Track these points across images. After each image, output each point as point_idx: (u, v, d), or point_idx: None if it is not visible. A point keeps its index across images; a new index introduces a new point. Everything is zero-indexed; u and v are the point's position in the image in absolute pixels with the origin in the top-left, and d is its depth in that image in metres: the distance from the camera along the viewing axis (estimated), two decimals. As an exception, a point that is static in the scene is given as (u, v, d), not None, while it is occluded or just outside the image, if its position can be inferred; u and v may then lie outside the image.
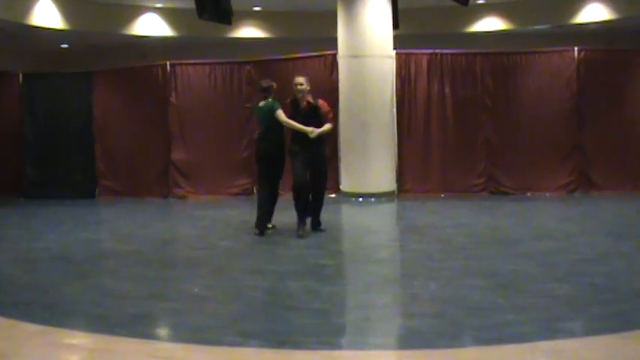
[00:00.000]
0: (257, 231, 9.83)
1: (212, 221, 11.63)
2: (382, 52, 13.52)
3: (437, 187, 13.99)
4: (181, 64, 14.99)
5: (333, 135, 13.78)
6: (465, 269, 7.53)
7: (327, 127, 9.66)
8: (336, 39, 13.84)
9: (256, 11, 18.19)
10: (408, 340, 5.35)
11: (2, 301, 6.55)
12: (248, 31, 18.58)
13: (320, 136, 9.62)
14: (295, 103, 9.71)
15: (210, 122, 14.65)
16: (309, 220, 9.88)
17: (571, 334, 5.28)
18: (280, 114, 9.65)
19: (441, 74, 14.05)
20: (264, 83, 10.12)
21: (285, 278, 7.41)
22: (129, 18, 17.67)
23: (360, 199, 13.27)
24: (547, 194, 13.70)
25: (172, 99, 14.76)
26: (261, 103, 10.00)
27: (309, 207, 9.84)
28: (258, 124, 10.31)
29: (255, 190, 14.52)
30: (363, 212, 12.56)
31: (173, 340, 5.50)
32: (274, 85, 10.10)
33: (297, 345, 5.11)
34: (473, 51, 14.39)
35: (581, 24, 17.32)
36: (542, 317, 5.61)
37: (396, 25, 13.87)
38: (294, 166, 9.70)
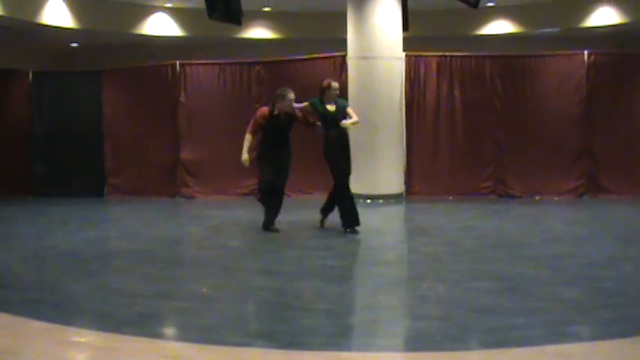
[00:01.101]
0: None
1: (220, 221, 11.64)
2: (392, 54, 13.52)
3: (445, 190, 13.99)
4: (191, 64, 15.03)
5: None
6: (472, 272, 7.52)
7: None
8: (345, 40, 13.85)
9: (266, 12, 18.21)
10: (415, 342, 5.35)
11: (10, 298, 6.57)
12: (258, 31, 18.60)
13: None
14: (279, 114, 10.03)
15: (219, 122, 14.67)
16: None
17: (578, 338, 5.27)
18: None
19: (450, 77, 14.06)
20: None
21: (293, 279, 7.41)
22: (139, 17, 17.71)
23: (368, 201, 13.26)
24: (555, 198, 13.68)
25: (182, 99, 14.80)
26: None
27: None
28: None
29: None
30: (371, 214, 12.54)
31: (180, 340, 5.49)
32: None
33: (304, 346, 5.10)
34: (482, 54, 14.39)
35: (591, 27, 17.28)
36: (549, 321, 5.60)
37: (405, 27, 13.87)
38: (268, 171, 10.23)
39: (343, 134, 9.99)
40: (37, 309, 6.10)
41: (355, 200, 10.11)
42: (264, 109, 10.20)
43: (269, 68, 14.73)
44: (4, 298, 6.57)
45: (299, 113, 10.12)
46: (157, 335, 5.52)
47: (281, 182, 10.26)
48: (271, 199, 10.23)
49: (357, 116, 10.02)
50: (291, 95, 9.95)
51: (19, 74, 15.50)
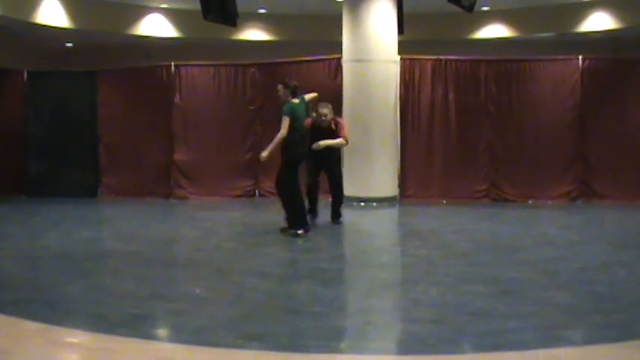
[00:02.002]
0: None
1: (214, 223, 11.64)
2: (387, 57, 13.52)
3: (439, 193, 13.98)
4: (186, 65, 15.00)
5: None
6: (466, 275, 7.54)
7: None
8: (340, 43, 13.85)
9: (261, 14, 18.22)
10: (408, 345, 5.36)
11: (3, 298, 6.55)
12: (253, 33, 18.60)
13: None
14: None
15: (213, 124, 14.66)
16: None
17: (571, 342, 5.29)
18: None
19: (445, 80, 14.05)
20: (295, 82, 10.14)
21: (287, 281, 7.42)
22: (134, 18, 17.70)
23: (362, 204, 13.27)
24: (549, 202, 13.69)
25: (176, 100, 14.76)
26: (297, 101, 9.96)
27: None
28: (293, 123, 9.81)
29: (257, 193, 14.63)
30: (365, 217, 12.56)
31: (174, 341, 5.50)
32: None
33: (298, 348, 5.11)
34: (477, 57, 14.40)
35: (585, 32, 17.34)
36: (542, 325, 5.61)
37: (401, 31, 13.88)
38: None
39: None
40: (30, 309, 6.10)
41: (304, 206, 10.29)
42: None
43: (264, 70, 14.72)
44: (-4, 298, 6.56)
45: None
46: (150, 336, 5.53)
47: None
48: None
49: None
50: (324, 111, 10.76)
51: (14, 73, 15.44)
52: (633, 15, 16.30)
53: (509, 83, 14.04)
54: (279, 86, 10.00)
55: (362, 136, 13.26)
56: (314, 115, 10.74)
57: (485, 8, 17.28)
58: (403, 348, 5.37)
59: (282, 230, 9.97)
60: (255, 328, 5.61)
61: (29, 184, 15.14)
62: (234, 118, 14.63)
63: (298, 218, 9.87)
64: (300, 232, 9.73)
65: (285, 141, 9.66)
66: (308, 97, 10.40)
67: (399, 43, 13.81)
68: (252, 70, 14.75)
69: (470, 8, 12.60)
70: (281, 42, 18.60)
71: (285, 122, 9.61)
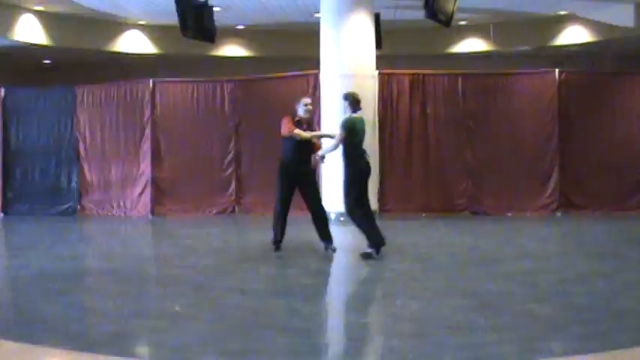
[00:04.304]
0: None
1: (193, 239, 11.58)
2: (365, 72, 13.56)
3: (418, 207, 14.01)
4: (164, 81, 14.97)
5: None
6: (446, 289, 7.55)
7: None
8: (319, 58, 13.89)
9: (239, 29, 18.24)
10: (388, 360, 5.36)
11: (-20, 318, 6.49)
12: (231, 49, 18.64)
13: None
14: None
15: (192, 140, 14.63)
16: None
17: (551, 353, 5.30)
18: None
19: (423, 94, 14.12)
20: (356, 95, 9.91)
21: (267, 297, 7.39)
22: (112, 35, 17.69)
23: (342, 218, 13.24)
24: (528, 214, 13.77)
25: (154, 116, 14.72)
26: (358, 116, 9.78)
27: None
28: (353, 138, 9.77)
29: (236, 209, 14.57)
30: (344, 231, 12.54)
31: (153, 359, 5.46)
32: None
33: (278, 364, 5.10)
34: (455, 71, 14.49)
35: (562, 46, 17.50)
36: (522, 337, 5.63)
37: (378, 45, 13.95)
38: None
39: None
40: (8, 329, 6.04)
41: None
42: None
43: (243, 86, 14.73)
44: (-27, 318, 6.50)
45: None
46: (129, 354, 5.47)
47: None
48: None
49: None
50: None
51: (-9, 90, 15.37)
52: (608, 29, 16.46)
53: (487, 97, 14.14)
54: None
55: (340, 151, 13.25)
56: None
57: (462, 22, 17.41)
58: (384, 363, 5.37)
59: (364, 255, 9.36)
60: (235, 345, 5.58)
61: (7, 202, 15.02)
62: (213, 134, 14.61)
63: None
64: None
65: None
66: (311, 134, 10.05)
67: (377, 58, 13.88)
68: (231, 86, 14.74)
69: (447, 22, 12.68)
70: (259, 58, 18.65)
71: (340, 136, 9.60)
